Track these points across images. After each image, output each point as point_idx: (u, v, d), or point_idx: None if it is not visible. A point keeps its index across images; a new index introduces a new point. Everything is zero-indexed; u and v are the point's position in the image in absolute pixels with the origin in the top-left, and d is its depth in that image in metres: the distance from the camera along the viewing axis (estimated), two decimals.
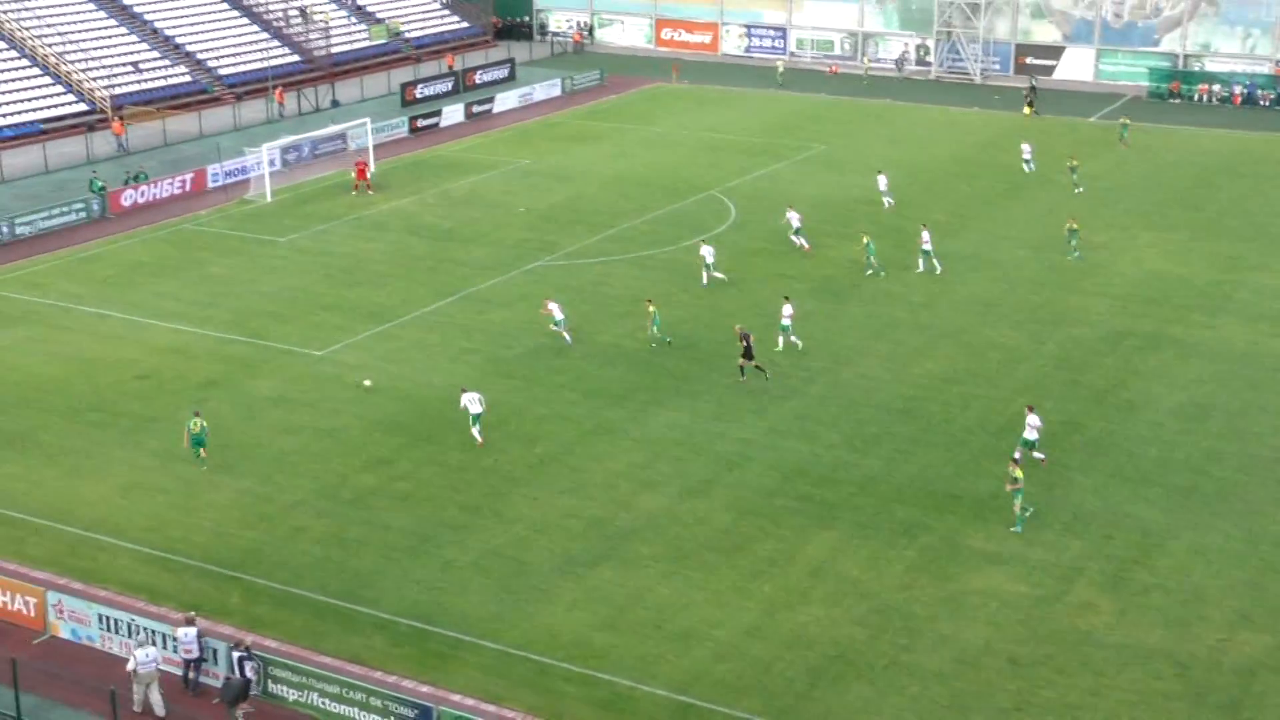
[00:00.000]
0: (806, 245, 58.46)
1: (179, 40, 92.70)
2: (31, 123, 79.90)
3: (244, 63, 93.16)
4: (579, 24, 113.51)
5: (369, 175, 68.98)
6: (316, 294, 54.27)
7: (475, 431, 40.95)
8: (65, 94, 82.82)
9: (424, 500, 37.84)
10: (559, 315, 48.69)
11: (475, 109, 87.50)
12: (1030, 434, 39.56)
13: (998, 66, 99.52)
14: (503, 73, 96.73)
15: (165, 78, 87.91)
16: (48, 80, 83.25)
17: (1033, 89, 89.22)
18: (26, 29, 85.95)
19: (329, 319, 51.46)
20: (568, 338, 48.59)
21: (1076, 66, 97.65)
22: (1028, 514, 36.38)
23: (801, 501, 37.78)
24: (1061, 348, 48.52)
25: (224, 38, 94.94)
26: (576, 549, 35.42)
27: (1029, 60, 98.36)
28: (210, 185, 70.36)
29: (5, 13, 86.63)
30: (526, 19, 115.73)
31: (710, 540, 35.85)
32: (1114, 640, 31.78)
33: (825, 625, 32.27)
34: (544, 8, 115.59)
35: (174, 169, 72.08)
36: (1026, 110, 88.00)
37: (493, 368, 46.67)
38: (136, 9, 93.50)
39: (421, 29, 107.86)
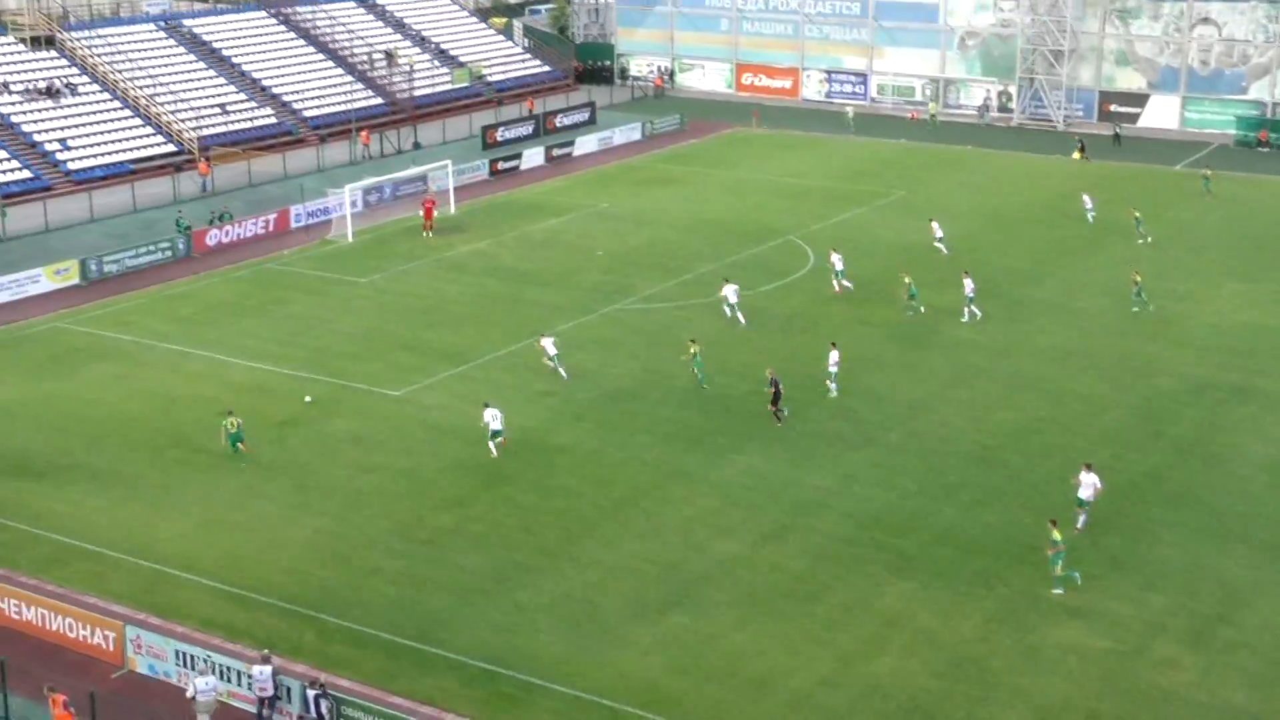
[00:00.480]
0: (850, 287, 58.52)
1: (265, 83, 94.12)
2: (121, 163, 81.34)
3: (328, 105, 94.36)
4: (660, 69, 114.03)
5: (435, 216, 69.43)
6: (395, 334, 54.66)
7: (492, 445, 42.74)
8: (154, 135, 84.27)
9: (498, 541, 37.86)
10: (552, 351, 49.47)
11: (555, 152, 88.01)
12: (1085, 493, 38.51)
13: (1081, 113, 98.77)
14: (583, 116, 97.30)
15: (251, 119, 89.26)
16: (138, 121, 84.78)
17: (1082, 143, 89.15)
18: (119, 71, 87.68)
19: (407, 359, 51.78)
20: (564, 374, 49.07)
21: (1162, 114, 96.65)
22: (1075, 579, 35.41)
23: (878, 550, 37.39)
24: (1144, 398, 47.80)
25: (308, 80, 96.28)
26: (650, 594, 35.24)
27: (1113, 108, 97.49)
28: (293, 225, 71.21)
29: (100, 56, 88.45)
30: (608, 63, 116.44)
31: (785, 587, 35.54)
32: (1197, 698, 31.08)
33: (900, 677, 31.84)
34: (625, 52, 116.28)
35: (258, 209, 73.06)
36: (1077, 155, 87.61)
37: (568, 410, 46.70)
38: (225, 52, 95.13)
39: (503, 73, 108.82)
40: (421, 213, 69.71)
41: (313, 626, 33.77)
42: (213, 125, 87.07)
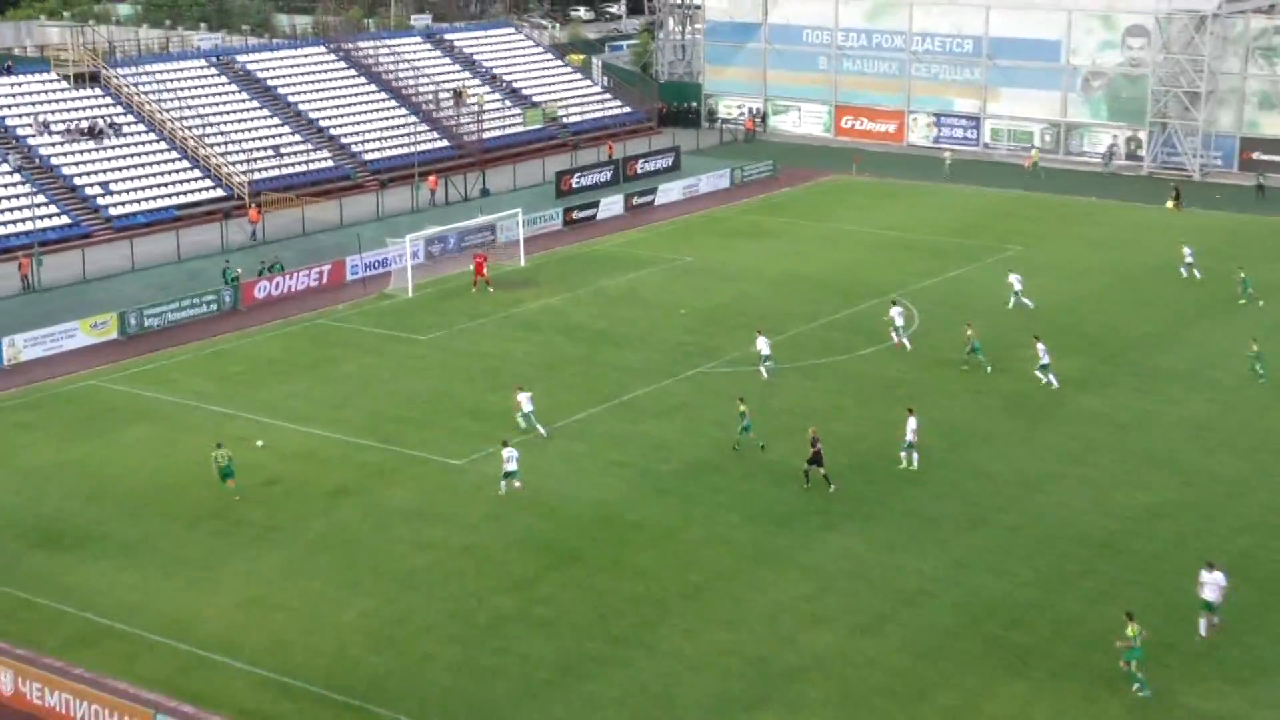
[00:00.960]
0: (907, 344, 58.69)
1: (322, 123, 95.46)
2: (166, 209, 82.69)
3: (390, 148, 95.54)
4: (751, 110, 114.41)
5: (486, 272, 69.75)
6: (458, 397, 54.86)
7: (503, 484, 45.59)
8: (202, 179, 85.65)
9: (566, 628, 37.65)
10: (527, 407, 50.15)
11: (635, 200, 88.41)
12: (1210, 594, 37.22)
13: (1220, 162, 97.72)
14: (666, 162, 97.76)
15: (307, 163, 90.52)
16: (185, 164, 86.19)
17: (1176, 190, 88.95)
18: (166, 111, 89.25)
19: (470, 425, 51.90)
20: (542, 431, 49.66)
21: None
22: (1138, 688, 34.39)
23: (988, 645, 36.76)
24: None
25: (369, 121, 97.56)
26: (733, 689, 34.84)
27: (1256, 155, 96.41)
28: (349, 278, 71.93)
29: (147, 94, 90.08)
30: (694, 105, 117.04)
31: (884, 685, 35.01)
32: None
33: None
34: (713, 93, 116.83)
35: (311, 259, 73.88)
36: (1170, 205, 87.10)
37: (646, 483, 46.54)
38: (280, 90, 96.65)
39: (580, 114, 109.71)
40: (471, 268, 69.97)
41: (362, 718, 33.66)
42: (265, 169, 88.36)
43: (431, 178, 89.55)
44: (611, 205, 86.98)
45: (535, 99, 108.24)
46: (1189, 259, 71.09)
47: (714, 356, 59.43)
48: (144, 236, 79.01)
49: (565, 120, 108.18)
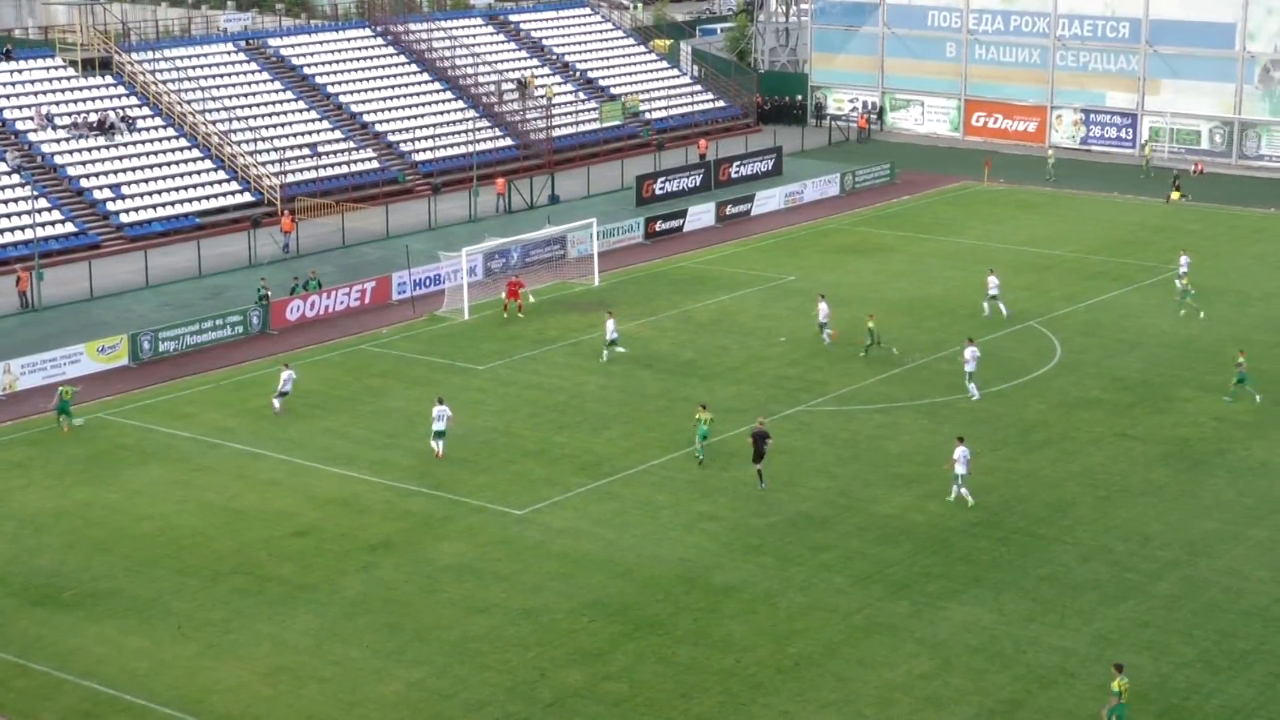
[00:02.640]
0: (974, 393, 58.74)
1: (366, 118, 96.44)
2: (186, 215, 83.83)
3: (445, 147, 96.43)
4: (865, 105, 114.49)
5: (522, 295, 69.80)
6: (519, 437, 55.21)
7: (435, 445, 52.32)
8: (227, 181, 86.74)
9: (643, 706, 37.75)
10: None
11: (729, 210, 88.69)
12: None
13: None
14: (765, 165, 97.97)
15: (349, 164, 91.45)
16: (208, 164, 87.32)
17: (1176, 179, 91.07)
18: (188, 103, 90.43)
19: (533, 469, 52.23)
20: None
21: None
22: None
23: None
24: None
25: (421, 116, 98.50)
26: None
27: None
28: (395, 297, 72.65)
29: (165, 83, 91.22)
30: (799, 98, 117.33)
31: None
32: None
33: None
34: (822, 85, 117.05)
35: (352, 275, 74.70)
36: (1175, 195, 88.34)
37: (737, 539, 46.61)
38: (318, 79, 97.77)
39: (666, 109, 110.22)
40: (505, 294, 70.04)
41: None
42: (300, 170, 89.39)
43: (499, 181, 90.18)
44: (701, 215, 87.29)
45: (614, 91, 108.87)
46: (1183, 270, 71.17)
47: (819, 392, 59.42)
48: (160, 247, 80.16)
49: (648, 116, 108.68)
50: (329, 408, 58.49)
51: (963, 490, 49.32)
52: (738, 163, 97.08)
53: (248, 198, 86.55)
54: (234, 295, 71.62)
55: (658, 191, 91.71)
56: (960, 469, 49.27)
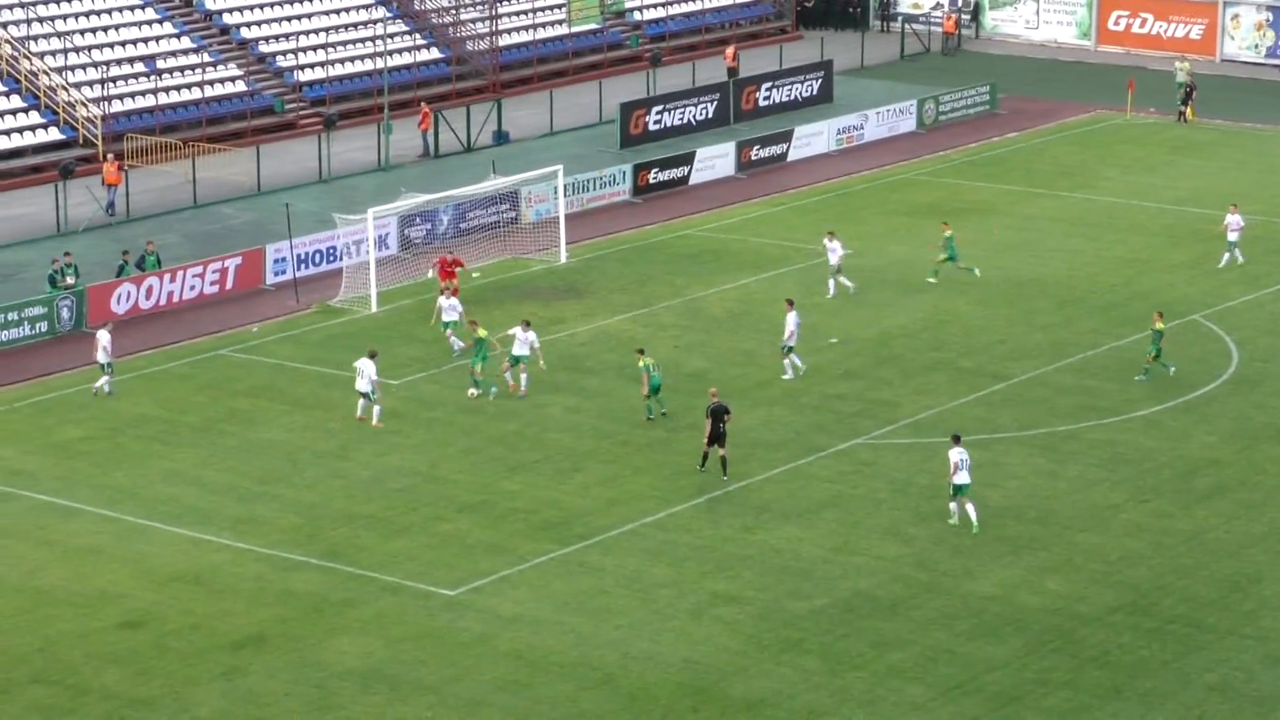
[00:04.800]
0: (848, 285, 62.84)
1: (229, 21, 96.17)
2: None
3: (342, 62, 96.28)
4: (953, 2, 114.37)
5: (461, 277, 69.04)
6: (451, 483, 55.09)
7: (360, 407, 57.75)
8: (24, 111, 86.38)
9: None
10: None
11: (756, 153, 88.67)
12: None
13: None
14: (809, 88, 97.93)
15: (201, 85, 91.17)
16: None
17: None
18: None
19: (471, 530, 52.10)
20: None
21: None
22: None
23: None
24: None
25: (309, 18, 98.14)
26: None
27: None
28: (270, 279, 72.65)
29: None
30: None
31: None
32: None
33: None
34: None
35: (205, 248, 74.58)
36: (1189, 112, 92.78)
37: (767, 632, 46.47)
38: None
39: (663, 6, 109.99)
40: (433, 272, 69.47)
41: None
42: (132, 96, 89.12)
43: (423, 111, 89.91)
44: (715, 161, 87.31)
45: None
46: (1233, 233, 73.39)
47: (886, 418, 59.30)
48: None
49: (637, 16, 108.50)
50: (173, 440, 58.29)
51: (968, 508, 50.84)
52: (768, 85, 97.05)
53: (55, 135, 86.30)
54: (34, 278, 71.25)
55: (652, 126, 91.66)
56: (962, 478, 50.40)
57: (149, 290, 69.78)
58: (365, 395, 58.45)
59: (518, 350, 60.97)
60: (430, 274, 70.01)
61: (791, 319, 62.29)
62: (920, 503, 53.35)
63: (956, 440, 52.21)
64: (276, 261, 72.77)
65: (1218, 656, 45.39)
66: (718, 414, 54.44)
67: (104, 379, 60.89)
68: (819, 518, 52.45)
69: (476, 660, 45.38)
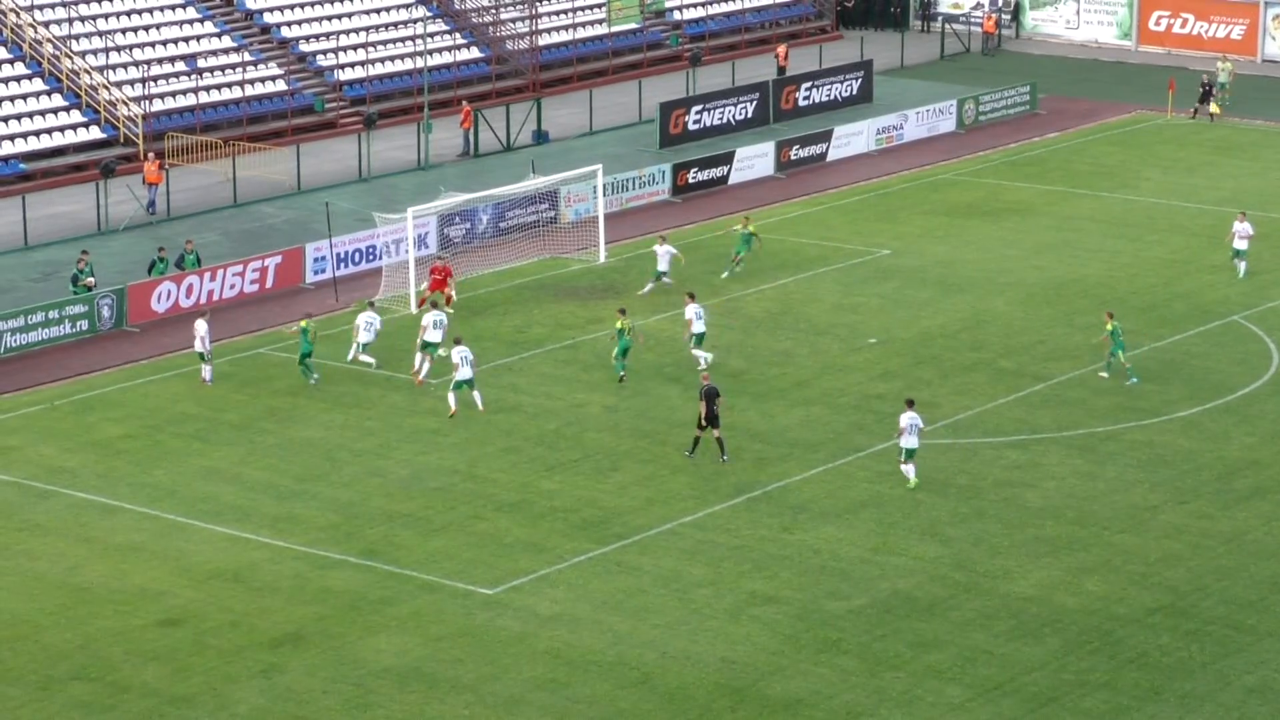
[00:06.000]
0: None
1: (269, 20, 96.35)
2: (6, 160, 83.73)
3: (382, 61, 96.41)
4: (994, 2, 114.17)
5: (451, 286, 69.17)
6: (490, 482, 55.20)
7: (452, 398, 59.01)
8: (66, 110, 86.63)
9: None
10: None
11: (796, 153, 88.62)
12: None
13: None
14: (849, 88, 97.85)
15: (242, 85, 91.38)
16: (38, 85, 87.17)
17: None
18: (13, 2, 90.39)
19: (510, 529, 52.20)
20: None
21: None
22: None
23: None
24: None
25: (350, 17, 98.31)
26: None
27: None
28: (309, 278, 72.83)
29: None
30: None
31: None
32: None
33: None
34: None
35: (245, 248, 74.79)
36: (1214, 109, 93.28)
37: (805, 632, 46.46)
38: None
39: (703, 6, 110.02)
40: (426, 285, 69.47)
41: None
42: (172, 95, 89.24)
43: (463, 111, 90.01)
44: (755, 161, 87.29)
45: None
46: (1241, 241, 72.36)
47: (925, 417, 59.28)
48: None
49: (677, 16, 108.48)
50: (213, 438, 58.43)
51: (906, 467, 54.19)
52: (808, 85, 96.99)
53: (96, 134, 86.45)
54: (72, 276, 71.29)
55: (691, 126, 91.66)
56: (910, 442, 52.03)
57: (189, 289, 69.94)
58: (467, 383, 59.35)
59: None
60: (424, 285, 69.86)
61: (690, 310, 63.45)
62: (959, 504, 53.33)
63: (910, 405, 54.66)
64: (316, 260, 72.94)
65: (1257, 658, 45.33)
66: (711, 396, 55.67)
67: (206, 368, 62.35)
68: (857, 518, 52.46)
69: (514, 659, 45.43)
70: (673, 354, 64.59)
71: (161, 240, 74.74)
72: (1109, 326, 61.80)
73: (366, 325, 63.50)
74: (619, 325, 61.76)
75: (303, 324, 62.75)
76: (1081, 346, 64.93)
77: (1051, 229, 78.61)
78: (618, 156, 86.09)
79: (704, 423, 55.93)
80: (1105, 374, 62.23)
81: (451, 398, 59.23)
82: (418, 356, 62.61)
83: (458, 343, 59.80)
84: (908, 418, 54.19)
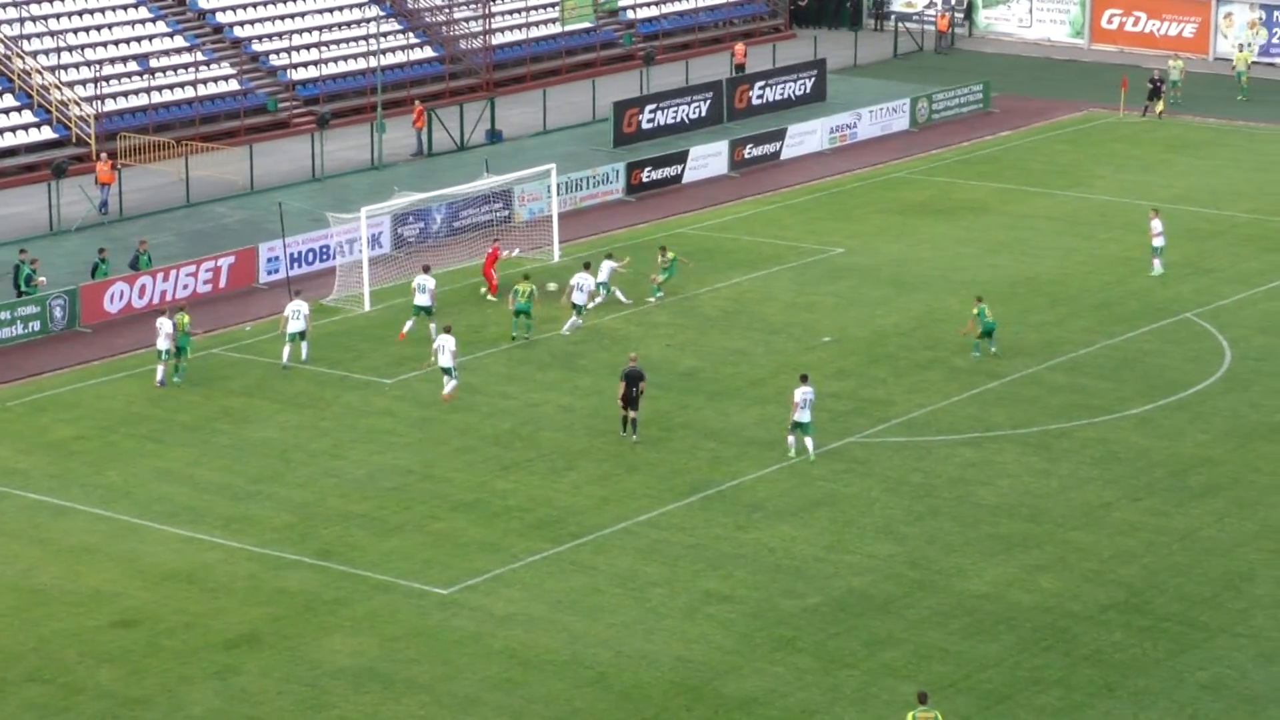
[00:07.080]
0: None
1: (222, 19, 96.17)
2: None
3: (335, 60, 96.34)
4: (946, 1, 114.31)
5: (495, 274, 69.97)
6: (444, 481, 55.16)
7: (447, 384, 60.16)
8: (17, 110, 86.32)
9: None
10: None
11: (749, 152, 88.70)
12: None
13: None
14: (802, 87, 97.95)
15: (194, 84, 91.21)
16: None
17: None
18: None
19: (465, 529, 52.16)
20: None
21: None
22: None
23: None
24: None
25: (303, 16, 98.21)
26: None
27: None
28: (263, 278, 72.67)
29: None
30: None
31: None
32: None
33: None
34: None
35: (198, 248, 74.56)
36: (1159, 107, 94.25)
37: (760, 630, 46.51)
38: None
39: (657, 5, 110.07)
40: (485, 264, 70.45)
41: None
42: (125, 96, 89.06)
43: (416, 110, 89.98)
44: (708, 160, 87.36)
45: None
46: (1158, 237, 72.77)
47: (879, 416, 59.36)
48: None
49: (630, 15, 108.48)
50: (166, 439, 58.34)
51: (806, 442, 55.60)
52: (762, 84, 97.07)
53: (48, 134, 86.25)
54: (22, 276, 71.06)
55: (645, 125, 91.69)
56: (803, 416, 53.33)
57: (142, 289, 69.75)
58: (447, 371, 60.54)
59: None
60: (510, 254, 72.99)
61: (580, 277, 67.55)
62: (913, 502, 53.45)
63: (804, 379, 56.05)
64: (269, 261, 72.79)
65: (1210, 655, 45.49)
66: (632, 378, 57.23)
67: (160, 368, 62.30)
68: (812, 516, 52.53)
69: (469, 659, 45.44)
70: (628, 350, 64.48)
71: (114, 240, 74.58)
72: (975, 310, 63.27)
73: (294, 314, 63.51)
74: (518, 288, 65.01)
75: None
76: (1025, 346, 65.02)
77: (1005, 227, 78.81)
78: (572, 156, 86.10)
79: (622, 402, 57.31)
80: (977, 354, 64.13)
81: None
82: (418, 325, 65.29)
83: (447, 331, 61.20)
84: (801, 392, 55.43)
